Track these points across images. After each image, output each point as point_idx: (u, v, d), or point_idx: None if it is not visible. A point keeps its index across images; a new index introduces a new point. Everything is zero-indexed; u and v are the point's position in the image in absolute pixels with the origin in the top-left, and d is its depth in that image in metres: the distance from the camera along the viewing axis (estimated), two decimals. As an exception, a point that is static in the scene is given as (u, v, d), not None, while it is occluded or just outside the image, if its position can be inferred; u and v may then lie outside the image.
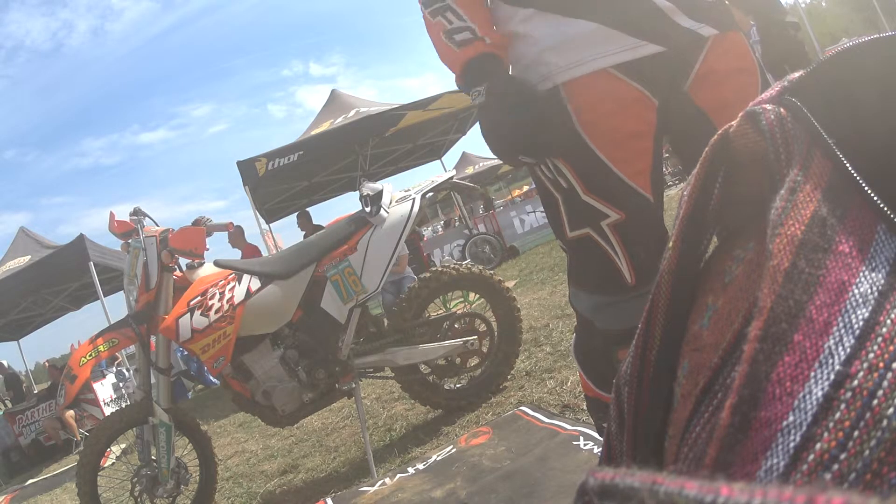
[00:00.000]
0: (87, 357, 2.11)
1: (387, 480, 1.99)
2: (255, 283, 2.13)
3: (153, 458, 2.17)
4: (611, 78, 0.88)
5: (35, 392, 8.56)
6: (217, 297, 2.07)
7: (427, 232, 15.15)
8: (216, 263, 2.23)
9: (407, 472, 2.01)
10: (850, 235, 0.23)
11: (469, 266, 2.49)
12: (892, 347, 0.20)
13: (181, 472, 2.21)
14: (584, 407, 1.79)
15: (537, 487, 1.57)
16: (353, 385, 2.24)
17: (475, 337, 2.47)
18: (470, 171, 13.74)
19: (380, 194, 2.30)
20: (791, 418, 0.19)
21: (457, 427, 2.28)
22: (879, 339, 0.20)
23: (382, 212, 2.27)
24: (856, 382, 0.19)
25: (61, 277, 7.55)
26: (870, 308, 0.21)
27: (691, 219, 0.30)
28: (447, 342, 2.37)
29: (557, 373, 2.37)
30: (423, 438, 2.29)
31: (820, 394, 0.19)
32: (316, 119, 8.07)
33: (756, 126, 0.27)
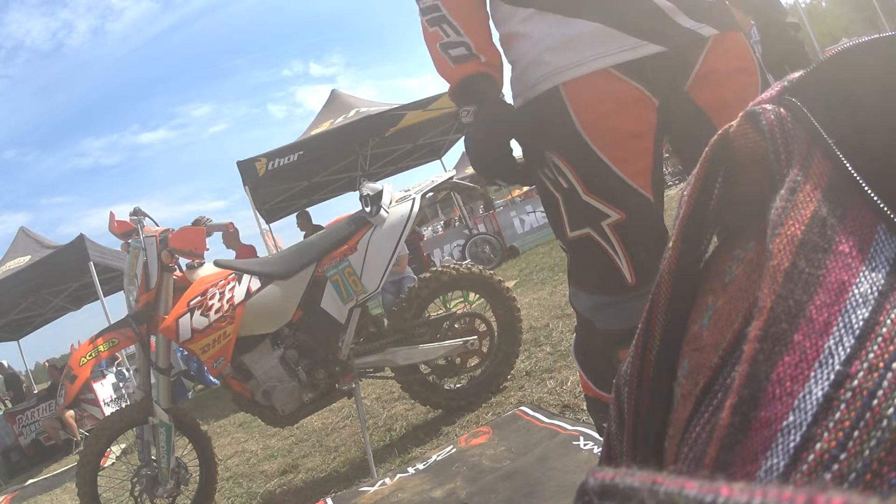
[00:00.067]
0: (87, 357, 2.11)
1: (387, 480, 1.99)
2: (255, 283, 2.13)
3: (153, 458, 2.17)
4: (611, 78, 0.88)
5: (35, 392, 8.56)
6: (217, 297, 2.07)
7: (427, 232, 15.15)
8: (216, 263, 2.23)
9: (407, 472, 2.01)
10: (850, 235, 0.23)
11: (469, 266, 2.49)
12: (892, 347, 0.20)
13: (181, 472, 2.21)
14: (584, 407, 1.79)
15: (537, 487, 1.57)
16: (353, 385, 2.24)
17: (475, 337, 2.47)
18: (470, 171, 13.71)
19: (380, 194, 2.30)
20: (791, 418, 0.19)
21: (457, 427, 2.28)
22: (879, 339, 0.20)
23: (382, 212, 2.27)
24: (856, 382, 0.19)
25: (61, 277, 7.55)
26: (870, 308, 0.21)
27: (691, 219, 0.30)
28: (447, 342, 2.37)
29: (557, 373, 2.37)
30: (423, 438, 2.29)
31: (820, 394, 0.19)
32: (316, 119, 8.07)
33: (756, 126, 0.27)
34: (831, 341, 0.20)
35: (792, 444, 0.19)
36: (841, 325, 0.21)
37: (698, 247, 0.31)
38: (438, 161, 10.08)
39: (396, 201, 2.34)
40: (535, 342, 2.90)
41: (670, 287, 0.31)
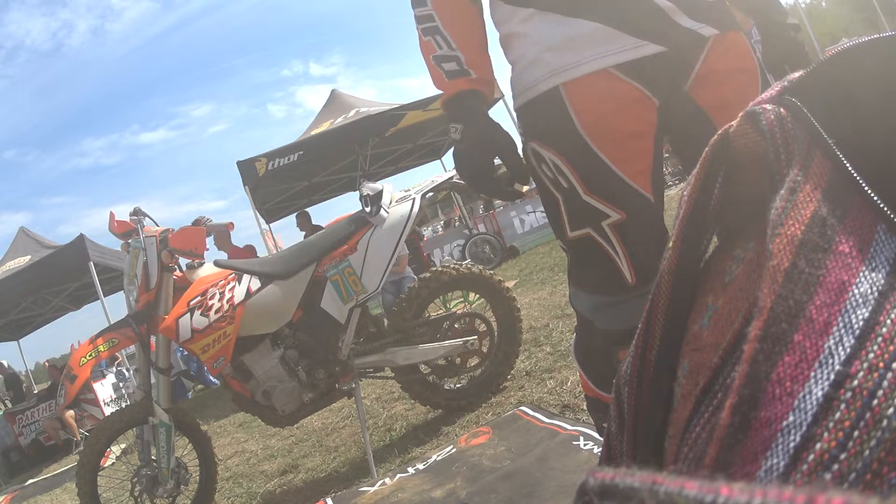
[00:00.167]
0: (87, 357, 2.11)
1: (387, 480, 1.99)
2: (255, 283, 2.13)
3: (153, 458, 2.17)
4: (611, 78, 0.88)
5: (35, 392, 8.56)
6: (217, 297, 2.07)
7: (427, 232, 15.14)
8: (216, 263, 2.23)
9: (407, 472, 2.01)
10: (850, 235, 0.23)
11: (469, 266, 2.49)
12: (892, 347, 0.20)
13: (181, 472, 2.21)
14: (584, 407, 1.80)
15: (537, 487, 1.57)
16: (353, 385, 2.24)
17: (475, 337, 2.47)
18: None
19: (380, 194, 2.30)
20: (791, 418, 0.19)
21: (457, 427, 2.28)
22: (879, 339, 0.20)
23: (382, 212, 2.27)
24: (856, 382, 0.19)
25: (61, 277, 7.55)
26: (870, 308, 0.21)
27: (691, 219, 0.30)
28: (447, 342, 2.37)
29: (557, 373, 2.37)
30: (423, 438, 2.29)
31: (820, 394, 0.19)
32: (316, 119, 8.07)
33: (756, 126, 0.27)
34: (831, 341, 0.20)
35: (792, 444, 0.19)
36: (841, 325, 0.21)
37: (698, 247, 0.31)
38: (438, 161, 10.09)
39: (396, 201, 2.34)
40: (535, 342, 2.90)
41: (670, 287, 0.31)
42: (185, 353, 6.49)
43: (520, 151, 1.00)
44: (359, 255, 2.23)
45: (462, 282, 2.49)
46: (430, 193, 2.48)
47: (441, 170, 9.91)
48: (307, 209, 7.39)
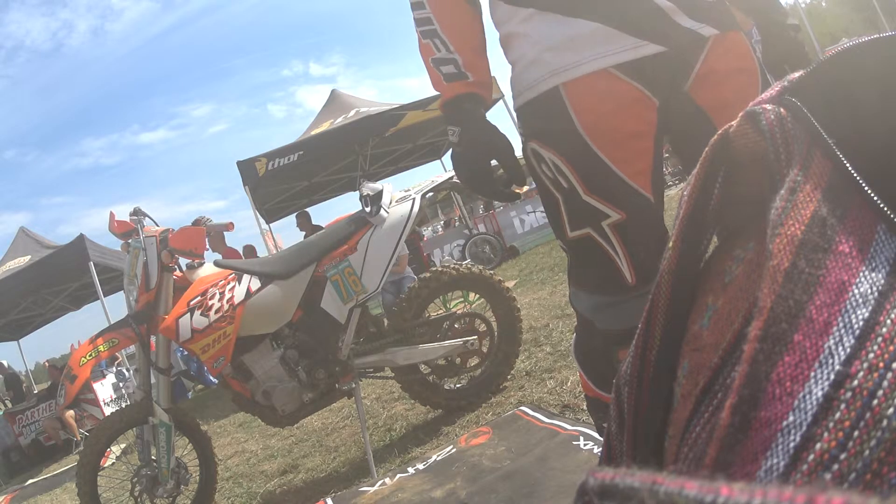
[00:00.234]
0: (87, 357, 2.11)
1: (387, 480, 1.99)
2: (255, 283, 2.13)
3: (153, 458, 2.17)
4: (611, 78, 0.88)
5: (35, 392, 8.56)
6: (217, 297, 2.07)
7: (427, 232, 15.14)
8: (216, 263, 2.23)
9: (407, 472, 2.01)
10: (850, 235, 0.23)
11: (469, 266, 2.49)
12: (892, 347, 0.20)
13: (181, 472, 2.21)
14: (584, 407, 1.80)
15: (537, 487, 1.57)
16: (353, 385, 2.24)
17: (475, 337, 2.47)
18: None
19: (380, 194, 2.30)
20: (791, 418, 0.19)
21: (457, 427, 2.28)
22: (879, 339, 0.20)
23: (382, 212, 2.27)
24: (856, 382, 0.19)
25: (61, 277, 7.56)
26: (870, 308, 0.21)
27: (691, 219, 0.30)
28: (447, 342, 2.37)
29: (557, 373, 2.37)
30: (423, 438, 2.29)
31: (820, 394, 0.19)
32: (316, 119, 8.07)
33: (756, 126, 0.27)
34: (831, 341, 0.20)
35: (792, 444, 0.19)
36: (841, 325, 0.21)
37: (698, 247, 0.31)
38: (438, 161, 10.09)
39: (396, 201, 2.34)
40: (535, 342, 2.90)
41: (670, 287, 0.31)
42: (185, 353, 6.49)
43: (517, 153, 1.01)
44: (359, 255, 2.23)
45: (462, 282, 2.49)
46: (430, 193, 2.48)
47: (441, 170, 9.92)
48: (307, 209, 7.40)
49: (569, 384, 2.18)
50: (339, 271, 2.22)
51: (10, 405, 8.36)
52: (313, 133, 7.42)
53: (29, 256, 7.18)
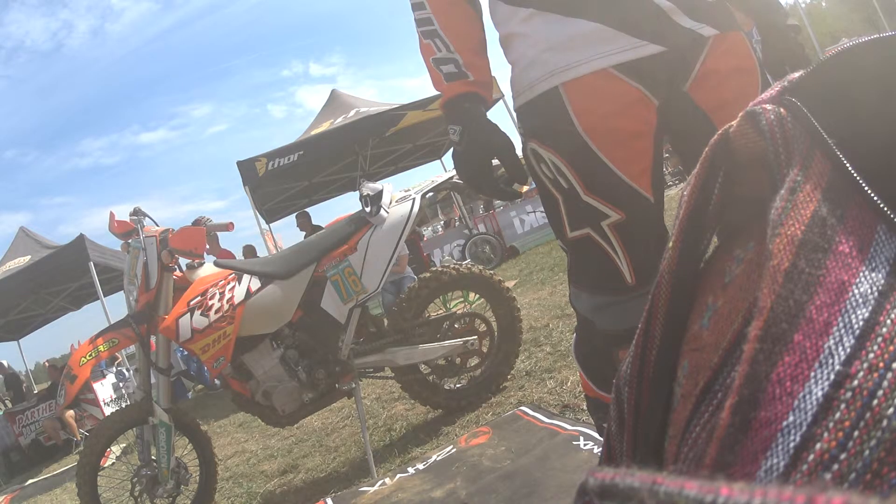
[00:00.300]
0: (87, 357, 2.11)
1: (387, 480, 1.99)
2: (255, 283, 2.13)
3: (153, 458, 2.17)
4: (611, 78, 0.88)
5: (35, 392, 8.56)
6: (217, 297, 2.07)
7: (427, 232, 15.14)
8: (216, 263, 2.23)
9: (407, 472, 2.01)
10: (850, 235, 0.23)
11: (469, 266, 2.49)
12: (892, 347, 0.20)
13: (181, 472, 2.21)
14: (584, 407, 1.80)
15: (537, 487, 1.57)
16: (353, 385, 2.24)
17: (475, 337, 2.47)
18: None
19: (380, 194, 2.30)
20: (791, 418, 0.19)
21: (457, 427, 2.28)
22: (879, 339, 0.20)
23: (382, 212, 2.27)
24: (856, 382, 0.19)
25: (61, 277, 7.55)
26: (870, 308, 0.21)
27: (691, 219, 0.30)
28: (447, 342, 2.37)
29: (557, 373, 2.37)
30: (423, 438, 2.29)
31: (820, 394, 0.19)
32: (316, 119, 8.07)
33: (756, 126, 0.27)
34: (831, 341, 0.20)
35: (792, 444, 0.19)
36: (841, 325, 0.21)
37: (698, 247, 0.31)
38: (438, 161, 10.09)
39: (396, 201, 2.34)
40: (535, 342, 2.90)
41: (670, 287, 0.31)
42: (185, 353, 6.49)
43: (518, 152, 1.01)
44: (359, 255, 2.23)
45: (462, 282, 2.49)
46: (430, 193, 2.48)
47: (441, 170, 9.91)
48: (307, 209, 7.40)
49: (569, 384, 2.18)
50: (339, 271, 2.22)
51: (10, 405, 8.36)
52: (313, 133, 7.42)
53: (29, 256, 7.17)
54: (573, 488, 1.41)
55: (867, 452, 0.18)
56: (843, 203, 0.24)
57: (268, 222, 8.65)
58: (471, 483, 1.75)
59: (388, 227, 2.27)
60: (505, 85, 1.04)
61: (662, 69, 0.88)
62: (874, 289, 0.22)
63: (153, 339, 2.20)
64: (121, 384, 7.20)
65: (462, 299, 3.66)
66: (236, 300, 2.07)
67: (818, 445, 0.19)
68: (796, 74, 0.29)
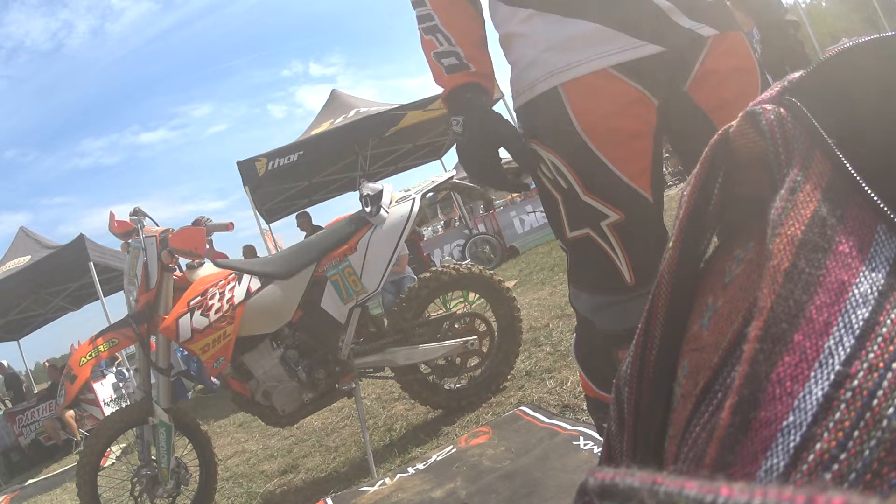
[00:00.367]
0: (87, 357, 2.11)
1: (387, 480, 1.99)
2: (255, 283, 2.13)
3: (153, 458, 2.17)
4: (610, 78, 0.88)
5: (35, 392, 8.55)
6: (217, 297, 2.07)
7: (427, 232, 15.14)
8: (216, 263, 2.23)
9: (407, 472, 2.01)
10: (850, 235, 0.23)
11: (469, 266, 2.49)
12: (892, 347, 0.20)
13: (181, 472, 2.21)
14: (584, 407, 1.79)
15: (537, 487, 1.57)
16: (353, 385, 2.24)
17: (475, 337, 2.47)
18: (470, 171, 13.65)
19: (380, 194, 2.30)
20: (791, 418, 0.19)
21: (457, 427, 2.28)
22: (879, 339, 0.20)
23: (382, 212, 2.27)
24: (856, 382, 0.19)
25: (61, 277, 7.56)
26: (870, 308, 0.21)
27: (691, 219, 0.30)
28: (447, 342, 2.37)
29: (557, 373, 2.37)
30: (423, 438, 2.29)
31: (820, 394, 0.19)
32: (316, 119, 8.07)
33: (756, 126, 0.27)
34: (831, 341, 0.20)
35: (792, 444, 0.19)
36: (841, 325, 0.21)
37: (698, 247, 0.31)
38: (438, 161, 10.09)
39: (396, 201, 2.34)
40: (535, 342, 2.90)
41: (670, 287, 0.31)
42: (185, 353, 6.49)
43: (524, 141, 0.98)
44: (359, 255, 2.23)
45: (462, 282, 2.49)
46: (430, 193, 2.48)
47: (441, 170, 9.91)
48: (307, 209, 7.40)
49: (569, 384, 2.18)
50: (339, 271, 2.22)
51: (10, 405, 8.36)
52: (313, 133, 7.42)
53: (29, 256, 7.18)
54: (573, 488, 1.41)
55: (867, 452, 0.18)
56: (843, 203, 0.24)
57: (268, 222, 8.66)
58: (471, 483, 1.75)
59: (388, 227, 2.27)
60: (505, 85, 1.03)
61: (662, 69, 0.88)
62: (874, 289, 0.22)
63: (153, 339, 2.20)
64: (121, 384, 7.20)
65: (462, 299, 3.66)
66: (236, 300, 2.07)
67: (818, 445, 0.19)
68: (796, 74, 0.29)
